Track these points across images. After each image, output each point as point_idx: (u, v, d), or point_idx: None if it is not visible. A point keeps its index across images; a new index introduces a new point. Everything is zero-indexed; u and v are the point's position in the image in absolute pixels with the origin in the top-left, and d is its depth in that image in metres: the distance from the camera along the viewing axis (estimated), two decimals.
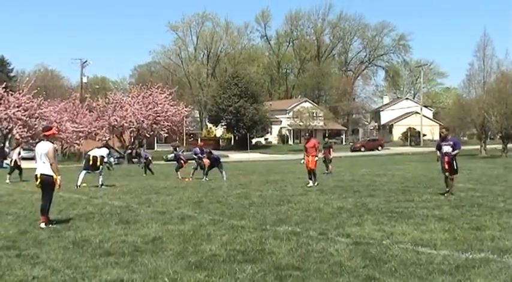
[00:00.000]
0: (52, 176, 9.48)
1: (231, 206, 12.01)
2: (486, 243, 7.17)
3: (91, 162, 18.86)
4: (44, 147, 9.64)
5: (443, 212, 10.29)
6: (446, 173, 13.20)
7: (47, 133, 9.98)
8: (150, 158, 28.78)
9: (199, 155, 22.51)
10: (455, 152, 13.28)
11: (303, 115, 78.62)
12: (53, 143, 10.07)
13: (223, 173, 21.13)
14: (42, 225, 9.30)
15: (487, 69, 47.55)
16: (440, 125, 78.45)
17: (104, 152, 19.59)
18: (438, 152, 13.69)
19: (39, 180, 9.57)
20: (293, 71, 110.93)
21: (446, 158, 13.21)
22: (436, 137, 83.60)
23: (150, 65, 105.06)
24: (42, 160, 9.62)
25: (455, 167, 13.22)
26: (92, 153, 19.42)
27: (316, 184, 16.94)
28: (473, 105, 44.94)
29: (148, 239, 8.04)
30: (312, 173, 17.25)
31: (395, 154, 56.76)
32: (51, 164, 9.54)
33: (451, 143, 13.46)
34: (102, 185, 18.43)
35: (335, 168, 25.41)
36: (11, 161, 23.29)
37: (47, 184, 9.56)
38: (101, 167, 18.86)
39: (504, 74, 44.54)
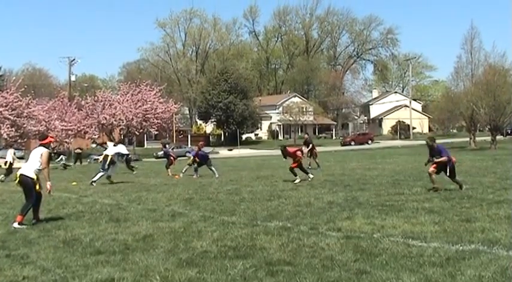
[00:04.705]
0: (30, 178, 9.56)
1: (221, 202, 12.01)
2: (476, 235, 7.21)
3: (108, 162, 18.98)
4: (39, 151, 9.82)
5: (433, 204, 10.34)
6: (430, 170, 12.69)
7: (43, 142, 10.20)
8: (130, 156, 28.74)
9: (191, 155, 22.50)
10: (440, 159, 12.63)
11: (293, 110, 78.67)
12: (48, 148, 10.24)
13: (213, 169, 20.63)
14: (15, 224, 9.21)
15: (474, 62, 47.66)
16: (429, 117, 79.04)
17: (122, 148, 19.99)
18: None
19: (17, 179, 9.74)
20: (282, 66, 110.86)
21: (435, 164, 12.71)
22: (426, 131, 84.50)
23: (139, 62, 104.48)
24: (30, 161, 9.78)
25: (448, 174, 12.62)
26: (106, 152, 19.61)
27: (310, 178, 16.84)
28: (461, 97, 45.08)
29: (139, 236, 8.01)
30: (300, 169, 17.12)
31: (385, 148, 56.86)
32: (43, 169, 9.69)
33: (438, 151, 12.86)
34: (93, 182, 18.40)
35: (325, 162, 25.48)
36: (5, 163, 23.51)
37: (25, 185, 9.64)
38: (111, 166, 18.95)
39: (492, 66, 44.58)
